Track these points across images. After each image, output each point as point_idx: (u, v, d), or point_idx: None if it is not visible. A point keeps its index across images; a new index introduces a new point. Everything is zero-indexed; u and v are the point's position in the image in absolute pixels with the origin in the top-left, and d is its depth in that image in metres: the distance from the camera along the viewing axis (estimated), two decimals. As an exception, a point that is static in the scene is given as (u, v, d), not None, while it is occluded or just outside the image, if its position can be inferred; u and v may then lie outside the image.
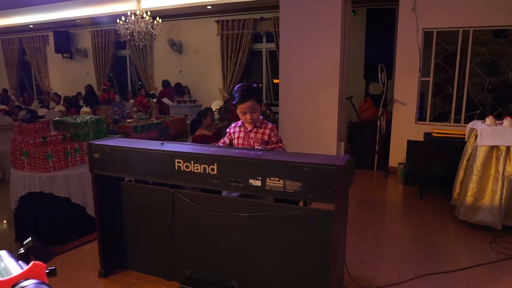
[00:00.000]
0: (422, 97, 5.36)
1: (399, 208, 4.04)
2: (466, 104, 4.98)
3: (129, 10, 8.28)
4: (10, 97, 12.46)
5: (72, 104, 9.64)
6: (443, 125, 4.97)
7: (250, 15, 8.95)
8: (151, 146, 2.19)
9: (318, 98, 5.05)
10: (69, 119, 4.75)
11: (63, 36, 11.90)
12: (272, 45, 8.92)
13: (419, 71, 5.00)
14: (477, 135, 3.30)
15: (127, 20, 8.48)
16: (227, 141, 2.55)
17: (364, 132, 5.38)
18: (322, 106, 5.06)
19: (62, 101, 10.63)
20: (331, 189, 1.74)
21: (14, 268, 0.73)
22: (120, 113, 5.84)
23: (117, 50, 11.47)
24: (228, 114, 5.72)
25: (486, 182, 3.24)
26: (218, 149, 2.06)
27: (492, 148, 3.21)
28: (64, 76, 12.69)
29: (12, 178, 4.37)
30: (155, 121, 5.79)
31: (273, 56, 9.04)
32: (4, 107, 10.12)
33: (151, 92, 10.39)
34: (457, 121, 5.03)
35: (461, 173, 3.51)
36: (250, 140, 2.42)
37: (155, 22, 8.69)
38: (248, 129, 2.44)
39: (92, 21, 10.91)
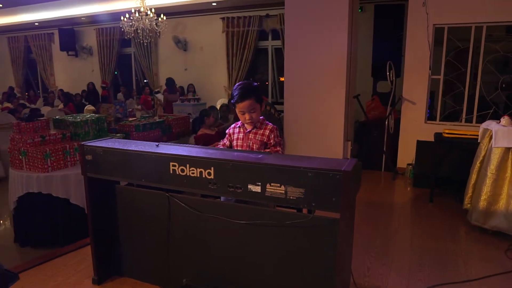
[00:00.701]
0: (432, 95, 5.19)
1: (408, 212, 3.88)
2: (478, 103, 4.79)
3: (133, 7, 8.19)
4: (16, 95, 12.46)
5: (70, 99, 9.56)
6: (454, 125, 4.80)
7: (256, 12, 8.82)
8: (145, 148, 2.07)
9: (324, 96, 4.91)
10: (68, 117, 4.66)
11: (68, 33, 11.86)
12: (278, 43, 8.78)
13: (429, 69, 4.83)
14: (491, 136, 3.14)
15: (131, 17, 8.40)
16: (227, 143, 2.43)
17: (372, 132, 5.22)
18: (328, 105, 4.91)
19: (60, 96, 10.55)
20: (337, 196, 1.60)
21: None
22: (122, 111, 5.75)
23: (121, 48, 11.40)
24: (235, 113, 5.59)
25: (501, 186, 3.08)
26: (215, 152, 1.93)
27: (508, 150, 3.05)
28: (69, 74, 12.66)
29: (11, 178, 4.29)
30: (157, 120, 5.69)
31: (279, 53, 8.90)
32: (9, 105, 10.11)
33: (156, 90, 10.31)
34: (468, 120, 4.85)
35: (473, 176, 3.35)
36: (249, 141, 2.29)
37: (160, 19, 8.59)
38: (248, 130, 2.31)
39: (96, 19, 10.85)
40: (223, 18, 9.28)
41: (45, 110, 8.49)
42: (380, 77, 5.75)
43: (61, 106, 9.47)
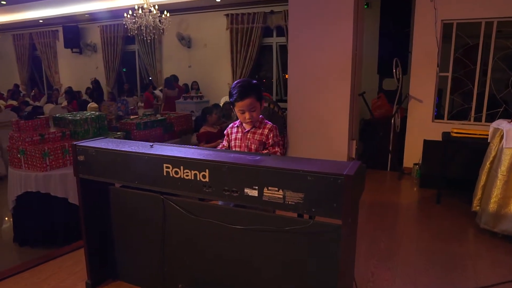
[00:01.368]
0: (440, 93, 5.05)
1: (414, 214, 3.76)
2: (488, 101, 4.65)
3: (137, 4, 8.12)
4: (20, 92, 12.48)
5: (74, 97, 9.53)
6: (462, 124, 4.66)
7: (260, 8, 8.72)
8: (139, 148, 1.98)
9: (328, 94, 4.80)
10: (68, 115, 4.60)
11: (73, 31, 11.83)
12: (282, 39, 8.67)
13: (437, 66, 4.69)
14: (502, 135, 3.01)
15: (134, 14, 8.34)
16: (226, 144, 2.33)
17: (377, 130, 5.09)
18: (333, 102, 4.80)
19: (63, 94, 10.53)
20: (338, 202, 1.50)
21: None
22: (124, 109, 5.68)
23: (126, 45, 11.35)
24: None
25: (513, 188, 2.95)
26: (211, 153, 1.84)
27: (520, 150, 2.92)
28: (74, 71, 12.65)
29: (9, 176, 4.25)
30: (159, 118, 5.61)
31: (284, 50, 8.79)
32: (13, 102, 10.11)
33: (159, 89, 10.26)
34: (477, 119, 4.71)
35: (483, 177, 3.23)
36: (247, 141, 2.20)
37: (163, 16, 8.52)
38: (246, 130, 2.22)
39: (100, 16, 10.81)
40: (227, 15, 9.19)
41: (48, 107, 8.47)
42: (386, 74, 5.62)
43: (64, 103, 9.44)
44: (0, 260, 3.63)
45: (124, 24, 8.50)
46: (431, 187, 4.24)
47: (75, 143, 2.13)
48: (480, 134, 3.67)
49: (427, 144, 4.42)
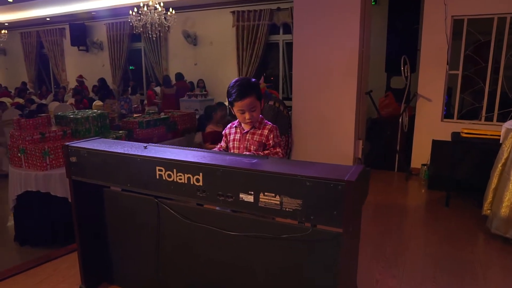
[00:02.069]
0: (449, 92, 4.90)
1: (422, 217, 3.63)
2: (499, 100, 4.49)
3: (142, 1, 8.06)
4: (28, 90, 12.52)
5: (83, 96, 9.53)
6: (473, 123, 4.52)
7: (267, 5, 8.62)
8: (132, 150, 1.90)
9: (334, 93, 4.68)
10: (70, 114, 4.55)
11: (79, 28, 11.83)
12: (289, 37, 8.55)
13: (447, 64, 4.55)
14: (515, 137, 2.88)
15: (140, 12, 8.29)
16: (224, 145, 2.24)
17: (385, 130, 4.96)
18: (339, 101, 4.68)
19: (70, 91, 10.56)
20: (338, 209, 1.40)
21: None
22: (127, 107, 5.62)
23: (132, 43, 11.32)
24: None
25: (526, 192, 2.82)
26: (206, 156, 1.75)
27: (534, 152, 2.79)
28: (80, 69, 12.65)
29: (10, 175, 4.22)
30: (162, 116, 5.55)
31: (290, 48, 8.65)
32: (20, 100, 10.14)
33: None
34: (489, 119, 4.55)
35: (494, 180, 3.09)
36: (246, 142, 2.10)
37: (169, 13, 8.46)
38: (245, 130, 2.13)
39: (107, 13, 10.78)
40: (233, 12, 9.11)
41: (53, 105, 8.46)
42: (394, 72, 5.48)
43: (71, 101, 9.43)
44: (1, 260, 3.61)
45: (130, 22, 8.46)
46: (439, 189, 4.11)
47: (67, 143, 2.05)
48: (491, 135, 3.54)
49: (436, 144, 4.29)
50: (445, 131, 4.34)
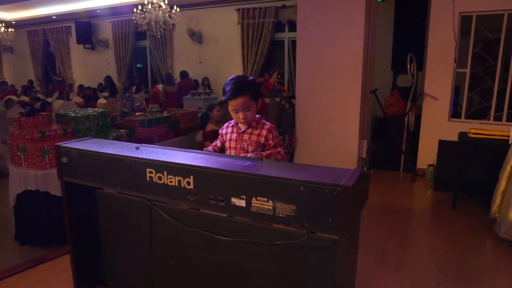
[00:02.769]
0: (457, 91, 4.77)
1: (427, 219, 3.53)
2: (509, 99, 4.36)
3: (146, -1, 8.03)
4: (34, 88, 12.57)
5: (92, 97, 9.53)
6: (481, 123, 4.39)
7: (272, 2, 8.54)
8: (123, 151, 1.84)
9: (338, 91, 4.59)
10: (70, 112, 4.51)
11: (85, 27, 11.84)
12: (294, 35, 8.37)
13: (454, 62, 4.42)
14: (525, 137, 2.77)
15: (144, 9, 8.26)
16: (219, 144, 2.17)
17: (390, 129, 4.85)
18: (343, 100, 4.59)
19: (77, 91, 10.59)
20: (334, 216, 1.32)
21: None
22: (129, 105, 5.58)
23: (137, 41, 11.30)
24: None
25: (535, 195, 2.71)
26: (198, 158, 1.68)
27: (544, 154, 2.67)
28: (86, 67, 12.69)
29: (10, 174, 4.20)
30: (164, 115, 5.49)
31: (296, 46, 8.57)
32: (26, 98, 10.17)
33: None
34: (497, 119, 4.42)
35: (503, 182, 2.98)
36: (244, 143, 2.03)
37: (173, 11, 8.41)
38: (242, 130, 2.05)
39: (112, 11, 10.77)
40: (238, 10, 9.04)
41: (58, 103, 8.46)
42: (400, 70, 5.36)
43: (75, 100, 9.43)
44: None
45: (134, 20, 8.43)
46: (446, 190, 4.00)
47: (58, 144, 2.00)
48: (500, 135, 3.42)
49: (443, 144, 4.18)
50: (452, 131, 4.22)
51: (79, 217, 2.14)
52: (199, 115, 5.95)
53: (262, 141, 2.01)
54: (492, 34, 4.38)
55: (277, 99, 4.47)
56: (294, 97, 5.17)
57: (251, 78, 2.06)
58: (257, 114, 2.11)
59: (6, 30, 11.59)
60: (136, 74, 12.07)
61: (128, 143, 2.02)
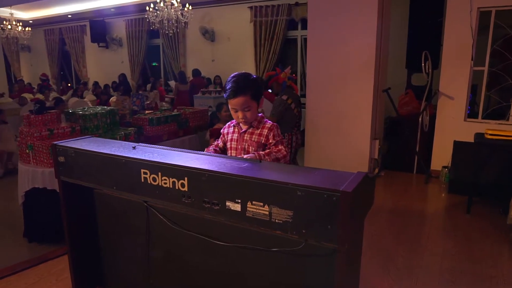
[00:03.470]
0: (473, 90, 4.59)
1: (440, 224, 3.39)
2: (529, 99, 4.18)
3: (159, -3, 8.03)
4: (50, 86, 12.76)
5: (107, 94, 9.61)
6: (499, 124, 4.21)
7: (285, 0, 8.41)
8: (119, 150, 1.78)
9: (350, 90, 4.47)
10: (78, 110, 4.51)
11: (99, 25, 11.94)
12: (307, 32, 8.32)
13: (471, 59, 4.25)
14: (545, 140, 2.62)
15: (156, 8, 8.26)
16: (220, 144, 2.10)
17: (403, 129, 4.70)
18: (355, 99, 4.47)
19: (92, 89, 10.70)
20: (333, 224, 1.24)
21: None
22: (139, 104, 5.55)
23: (150, 39, 11.34)
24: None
25: (556, 201, 2.56)
26: (193, 159, 1.61)
27: None
28: (100, 66, 12.80)
29: (19, 172, 4.23)
30: (173, 113, 5.46)
31: (308, 44, 8.45)
32: (40, 96, 10.32)
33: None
34: (517, 119, 4.25)
35: (521, 186, 2.84)
36: (244, 143, 1.95)
37: (185, 9, 8.40)
38: (243, 130, 1.97)
39: (126, 10, 10.83)
40: (251, 7, 8.97)
41: (72, 101, 8.55)
42: (415, 68, 5.18)
43: (88, 97, 9.52)
44: (6, 256, 3.61)
45: (147, 18, 8.44)
46: (460, 193, 3.85)
47: (55, 142, 1.96)
48: (519, 137, 3.26)
49: (458, 145, 4.02)
50: (468, 131, 4.06)
51: (77, 217, 2.10)
52: (209, 113, 5.90)
53: (263, 141, 1.93)
54: (512, 30, 4.20)
55: (284, 97, 4.37)
56: (304, 96, 5.08)
57: (255, 76, 1.97)
58: (259, 113, 2.04)
59: (23, 29, 11.78)
60: (150, 72, 12.13)
61: (126, 142, 1.97)
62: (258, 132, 1.95)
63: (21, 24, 11.82)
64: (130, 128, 4.72)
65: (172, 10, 8.29)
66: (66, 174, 1.96)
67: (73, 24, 12.90)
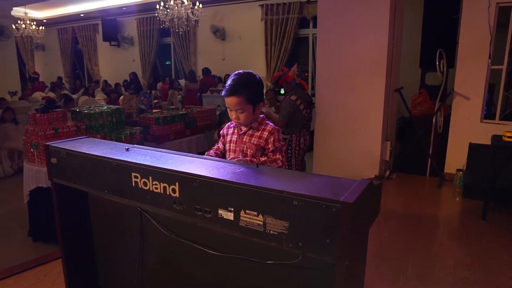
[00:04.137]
0: (491, 89, 4.40)
1: (454, 231, 3.23)
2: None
3: (169, -4, 8.00)
4: (62, 84, 12.87)
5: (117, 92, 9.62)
6: (518, 125, 4.02)
7: (296, -2, 8.30)
8: (111, 152, 1.70)
9: (361, 90, 4.33)
10: (84, 109, 4.48)
11: (111, 24, 11.99)
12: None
13: (489, 58, 4.06)
14: None
15: (166, 6, 8.24)
16: (221, 146, 2.01)
17: (416, 130, 4.53)
18: (366, 99, 4.33)
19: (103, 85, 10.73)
20: (332, 237, 1.12)
21: None
22: (147, 102, 5.50)
23: (161, 38, 11.34)
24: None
25: None
26: (186, 162, 1.51)
27: None
28: (112, 64, 12.86)
29: (24, 170, 4.21)
30: (180, 112, 5.39)
31: (320, 42, 8.30)
32: (52, 94, 10.40)
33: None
34: (537, 120, 4.04)
35: (542, 192, 2.67)
36: (243, 145, 1.85)
37: (196, 7, 8.35)
38: (242, 131, 1.88)
39: (137, 9, 10.85)
40: (262, 5, 8.89)
41: (82, 100, 8.57)
42: (430, 67, 5.00)
43: (98, 96, 9.54)
44: (9, 255, 3.59)
45: (157, 16, 8.42)
46: (476, 198, 3.68)
47: (48, 143, 1.89)
48: (539, 140, 3.08)
49: (474, 148, 3.85)
50: (484, 133, 3.89)
51: (71, 220, 2.03)
52: (218, 112, 5.82)
53: (262, 144, 1.82)
54: (533, 27, 3.99)
55: (293, 97, 4.25)
56: (314, 95, 4.95)
57: (258, 78, 1.85)
58: (261, 114, 1.93)
59: (37, 28, 11.90)
60: (161, 71, 12.13)
61: (121, 144, 1.89)
62: (258, 134, 1.85)
63: (35, 23, 11.95)
64: (136, 128, 4.67)
65: (183, 8, 8.25)
66: (58, 176, 1.89)
67: (85, 23, 13.00)
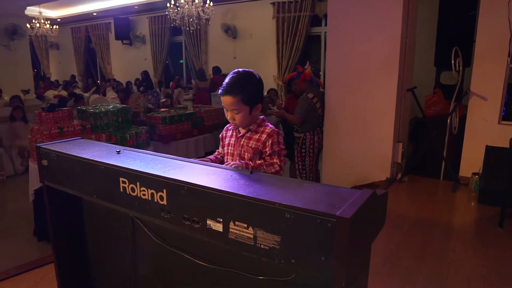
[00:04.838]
0: (510, 89, 4.18)
1: (468, 238, 3.06)
2: None
3: (180, -6, 7.94)
4: (75, 83, 12.99)
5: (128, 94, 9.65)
6: (539, 127, 3.81)
7: (308, -5, 8.16)
8: (101, 155, 1.62)
9: (372, 89, 4.18)
10: (90, 108, 4.45)
11: (123, 23, 12.03)
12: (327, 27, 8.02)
13: (508, 56, 3.86)
14: None
15: (177, 4, 8.19)
16: (221, 150, 1.92)
17: (430, 132, 4.35)
18: (377, 99, 4.18)
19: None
20: (327, 255, 1.01)
21: None
22: (154, 101, 5.46)
23: (173, 36, 11.32)
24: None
25: None
26: (175, 168, 1.42)
27: None
28: (124, 63, 12.91)
29: (30, 170, 4.21)
30: (187, 112, 5.33)
31: (332, 40, 8.13)
32: (64, 93, 10.49)
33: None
34: (559, 122, 3.83)
35: None
36: (241, 148, 1.76)
37: (206, 5, 8.28)
38: (240, 134, 1.78)
39: (149, 7, 10.85)
40: (273, 3, 8.79)
41: (92, 98, 8.60)
42: (445, 66, 4.80)
43: (109, 94, 9.57)
44: (14, 255, 3.58)
45: (168, 15, 8.39)
46: (492, 203, 3.49)
47: (39, 145, 1.82)
48: (562, 143, 2.89)
49: (491, 150, 3.66)
50: (502, 135, 3.70)
51: (64, 223, 1.96)
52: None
53: (260, 148, 1.72)
54: (556, 24, 3.77)
55: (310, 95, 4.14)
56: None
57: (258, 77, 1.74)
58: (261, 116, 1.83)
59: (51, 27, 12.02)
60: (173, 70, 12.12)
61: (114, 146, 1.81)
62: (256, 137, 1.74)
63: (49, 22, 12.07)
64: (141, 127, 4.63)
65: (193, 7, 8.19)
66: (49, 179, 1.82)
67: (98, 21, 13.08)
